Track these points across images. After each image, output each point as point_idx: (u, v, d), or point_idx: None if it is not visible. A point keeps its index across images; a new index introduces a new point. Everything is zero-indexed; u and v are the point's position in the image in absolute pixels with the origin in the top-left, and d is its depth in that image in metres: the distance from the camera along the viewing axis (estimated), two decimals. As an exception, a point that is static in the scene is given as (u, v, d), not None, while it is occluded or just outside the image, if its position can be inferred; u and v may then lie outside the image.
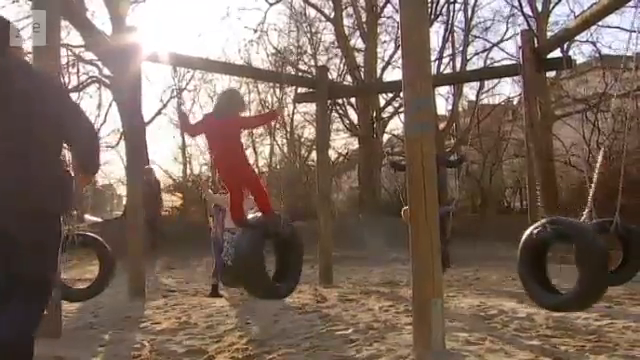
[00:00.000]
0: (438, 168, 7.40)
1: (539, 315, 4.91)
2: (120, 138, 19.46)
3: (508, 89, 31.11)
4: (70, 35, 16.27)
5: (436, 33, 19.28)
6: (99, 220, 19.52)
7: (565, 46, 14.84)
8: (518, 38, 7.91)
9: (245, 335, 4.45)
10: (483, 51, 18.87)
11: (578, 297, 4.08)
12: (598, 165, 4.89)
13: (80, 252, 8.11)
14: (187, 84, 20.35)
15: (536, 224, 4.48)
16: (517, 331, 4.39)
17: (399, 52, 4.41)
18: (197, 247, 10.85)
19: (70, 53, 17.05)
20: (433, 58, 17.24)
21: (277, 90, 19.65)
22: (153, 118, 19.72)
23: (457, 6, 18.68)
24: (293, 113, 20.68)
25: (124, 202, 18.48)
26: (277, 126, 20.90)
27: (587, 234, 4.17)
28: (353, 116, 20.03)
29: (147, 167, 12.57)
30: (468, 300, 6.05)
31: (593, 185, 4.74)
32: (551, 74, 16.87)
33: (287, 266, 4.92)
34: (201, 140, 21.04)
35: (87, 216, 20.81)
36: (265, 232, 4.65)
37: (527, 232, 4.46)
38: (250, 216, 4.97)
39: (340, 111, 19.64)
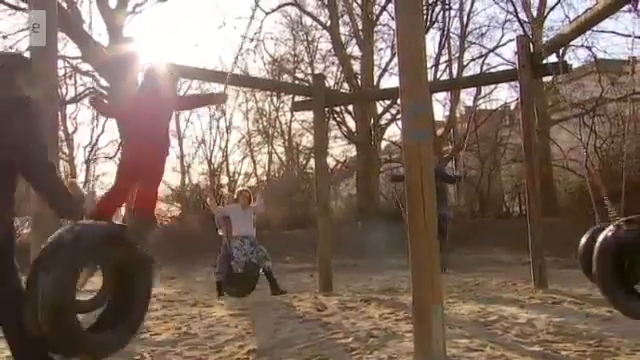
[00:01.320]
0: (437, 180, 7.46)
1: (540, 320, 4.90)
2: (118, 149, 19.48)
3: (505, 94, 31.15)
4: (67, 47, 16.38)
5: (432, 40, 19.43)
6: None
7: (561, 51, 14.89)
8: (514, 44, 7.95)
9: (246, 345, 4.43)
10: (479, 57, 18.96)
11: None
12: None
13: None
14: (185, 93, 20.35)
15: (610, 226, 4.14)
16: (518, 337, 4.37)
17: (395, 59, 4.41)
18: (196, 257, 10.85)
19: (67, 64, 17.12)
20: (429, 65, 17.32)
21: (274, 98, 19.74)
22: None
23: (453, 12, 18.82)
24: (291, 121, 20.75)
25: (122, 213, 18.42)
26: (275, 134, 20.97)
27: None
28: (351, 123, 20.10)
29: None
30: (468, 306, 6.03)
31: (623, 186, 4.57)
32: (547, 79, 16.92)
33: (126, 303, 3.32)
34: (201, 151, 21.05)
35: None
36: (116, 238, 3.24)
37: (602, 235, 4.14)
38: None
39: (338, 118, 19.70)
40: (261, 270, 7.18)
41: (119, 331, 3.19)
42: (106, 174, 23.38)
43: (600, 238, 4.17)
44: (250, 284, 7.11)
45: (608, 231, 4.13)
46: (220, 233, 7.61)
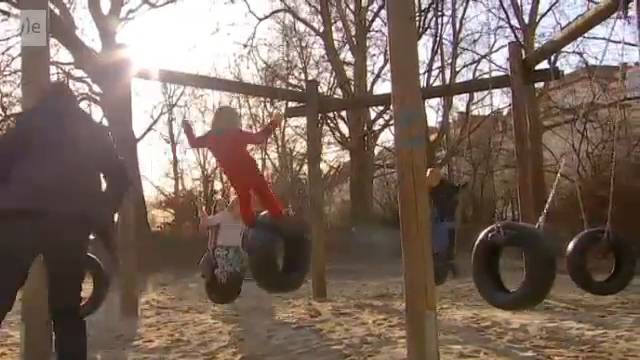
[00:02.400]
0: (446, 194, 7.52)
1: (532, 326, 4.91)
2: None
3: (497, 100, 31.30)
4: (59, 53, 16.34)
5: (425, 46, 19.48)
6: (91, 237, 19.38)
7: (552, 57, 15.01)
8: (506, 50, 8.01)
9: (239, 352, 4.41)
10: (472, 63, 19.08)
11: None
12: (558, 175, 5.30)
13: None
14: (177, 100, 20.37)
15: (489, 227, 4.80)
16: (511, 342, 4.38)
17: (388, 65, 4.44)
18: (189, 263, 10.78)
19: (60, 71, 17.07)
20: (422, 71, 17.39)
21: (268, 104, 19.75)
22: (144, 134, 19.72)
23: (445, 19, 18.92)
24: (284, 127, 20.75)
25: (116, 219, 18.35)
26: (269, 140, 20.98)
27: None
28: (344, 129, 20.13)
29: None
30: (461, 312, 6.04)
31: (552, 192, 5.18)
32: (539, 85, 17.04)
33: (295, 259, 5.40)
34: (191, 155, 21.06)
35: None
36: (275, 231, 5.10)
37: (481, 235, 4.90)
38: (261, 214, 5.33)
39: (331, 124, 19.74)
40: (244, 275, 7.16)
41: (297, 272, 5.52)
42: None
43: (480, 236, 5.03)
44: (233, 294, 7.11)
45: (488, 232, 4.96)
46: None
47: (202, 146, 5.58)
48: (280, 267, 5.75)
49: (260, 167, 21.01)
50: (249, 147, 6.24)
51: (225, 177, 20.31)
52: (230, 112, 5.48)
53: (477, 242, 4.74)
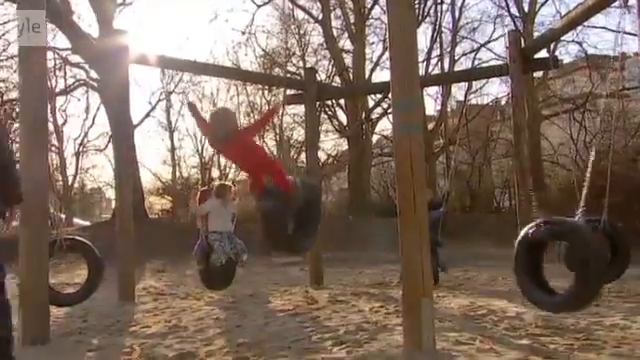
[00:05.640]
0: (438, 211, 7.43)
1: (528, 314, 4.94)
2: (108, 141, 19.38)
3: (496, 89, 31.29)
4: (56, 38, 16.24)
5: (424, 34, 19.40)
6: (88, 224, 19.40)
7: (552, 46, 14.95)
8: (505, 38, 7.97)
9: (235, 338, 4.43)
10: (471, 52, 19.02)
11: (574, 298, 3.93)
12: (590, 164, 4.85)
13: (69, 256, 8.04)
14: (175, 87, 20.28)
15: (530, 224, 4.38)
16: (507, 330, 4.41)
17: (387, 53, 4.42)
18: (187, 250, 10.76)
19: (57, 56, 16.96)
20: (421, 59, 17.33)
21: (266, 92, 19.67)
22: (142, 121, 19.64)
23: (445, 7, 18.82)
24: (282, 115, 20.68)
25: (113, 205, 18.37)
26: (267, 128, 20.92)
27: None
28: (342, 117, 20.08)
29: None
30: (458, 300, 6.07)
31: (586, 184, 4.70)
32: (538, 74, 17.00)
33: (306, 221, 5.18)
34: (189, 143, 20.99)
35: (76, 220, 20.72)
36: (285, 200, 4.92)
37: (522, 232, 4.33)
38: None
39: (329, 112, 19.67)
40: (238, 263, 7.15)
41: (308, 234, 5.20)
42: (96, 166, 23.31)
43: (522, 233, 4.32)
44: (227, 279, 7.11)
45: (529, 229, 4.26)
46: (199, 226, 7.55)
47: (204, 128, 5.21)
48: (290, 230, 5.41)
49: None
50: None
51: (224, 163, 20.36)
52: (225, 114, 5.15)
53: (519, 240, 4.28)
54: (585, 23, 12.85)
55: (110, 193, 26.65)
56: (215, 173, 20.12)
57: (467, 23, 19.20)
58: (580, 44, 16.75)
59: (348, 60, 19.53)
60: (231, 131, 4.78)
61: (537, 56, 7.83)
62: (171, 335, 4.63)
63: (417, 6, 17.25)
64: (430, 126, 18.55)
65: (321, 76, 18.42)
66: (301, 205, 5.06)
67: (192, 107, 5.48)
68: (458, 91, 19.80)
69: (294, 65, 20.17)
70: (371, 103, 19.08)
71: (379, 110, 19.34)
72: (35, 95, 4.73)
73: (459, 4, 18.68)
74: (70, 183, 22.28)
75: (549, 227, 4.17)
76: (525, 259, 4.30)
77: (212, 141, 5.29)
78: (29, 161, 4.66)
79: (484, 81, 18.71)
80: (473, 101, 19.80)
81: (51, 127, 17.42)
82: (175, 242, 12.93)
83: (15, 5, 13.07)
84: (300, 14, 20.36)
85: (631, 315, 4.80)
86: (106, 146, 20.62)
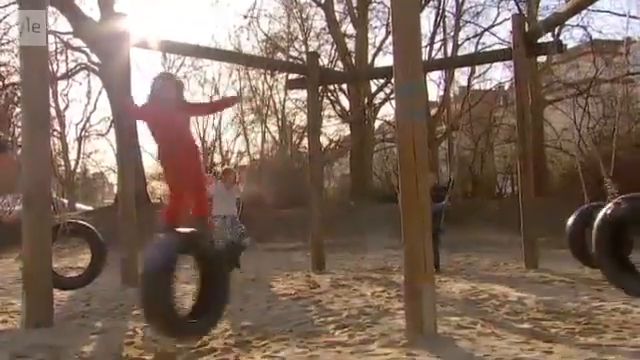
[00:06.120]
0: (437, 197, 7.38)
1: (530, 299, 4.96)
2: (110, 126, 19.34)
3: (499, 74, 31.02)
4: (58, 22, 16.15)
5: (427, 18, 19.22)
6: (90, 209, 19.46)
7: (556, 30, 14.84)
8: (509, 23, 7.92)
9: (238, 322, 4.47)
10: (474, 36, 18.83)
11: None
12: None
13: (72, 240, 8.09)
14: (177, 71, 20.17)
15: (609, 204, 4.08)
16: (508, 315, 4.43)
17: (390, 38, 4.40)
18: (189, 235, 10.85)
19: (58, 40, 16.89)
20: (424, 43, 17.21)
21: (268, 76, 19.60)
22: (143, 106, 19.60)
23: (448, -9, 18.60)
24: (284, 100, 20.64)
25: (115, 190, 18.41)
26: (268, 113, 20.89)
27: None
28: (345, 102, 20.00)
29: None
30: (460, 285, 6.10)
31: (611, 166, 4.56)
32: (542, 59, 16.89)
33: (209, 296, 3.88)
34: (193, 128, 20.96)
35: (78, 205, 20.76)
36: (186, 243, 3.81)
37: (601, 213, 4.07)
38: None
39: (331, 97, 19.60)
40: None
41: (207, 317, 3.83)
42: (98, 151, 23.28)
43: (599, 215, 4.15)
44: (231, 264, 7.16)
45: (607, 209, 4.11)
46: None
47: (143, 118, 4.25)
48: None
49: (252, 143, 20.97)
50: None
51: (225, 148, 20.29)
52: (177, 79, 4.42)
53: (597, 224, 4.09)
54: (590, 7, 12.79)
55: (112, 178, 26.65)
56: (217, 158, 20.14)
57: (471, 7, 19.00)
58: (585, 28, 16.63)
59: (351, 45, 19.40)
60: (177, 96, 4.05)
61: (541, 40, 7.79)
62: (174, 319, 4.65)
63: (420, -10, 17.09)
64: (433, 112, 18.47)
65: (323, 61, 18.32)
66: (208, 264, 3.88)
67: (124, 104, 4.93)
68: (461, 76, 19.69)
69: (296, 50, 20.08)
70: (374, 88, 18.99)
71: (382, 95, 19.25)
72: (37, 79, 4.73)
73: (463, -12, 18.49)
74: (72, 168, 22.29)
75: (631, 204, 3.91)
76: (606, 241, 4.03)
77: (148, 108, 4.12)
78: (31, 146, 4.67)
79: (487, 66, 18.59)
80: (476, 86, 19.69)
81: (53, 112, 17.42)
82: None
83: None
84: (302, -2, 20.21)
85: (632, 300, 4.80)
86: (108, 131, 20.58)
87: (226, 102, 5.51)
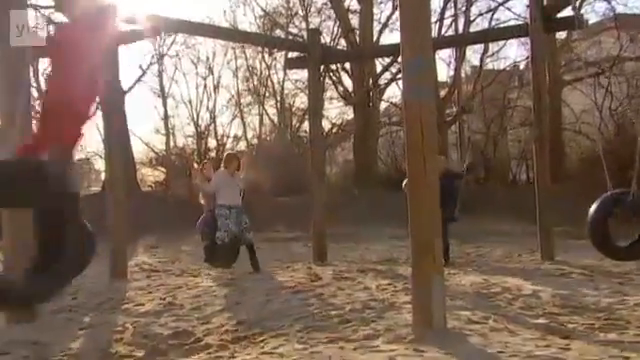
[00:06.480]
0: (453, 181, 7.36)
1: (546, 292, 4.96)
2: (96, 108, 19.29)
3: (514, 52, 30.89)
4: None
5: (437, -8, 19.09)
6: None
7: (576, 4, 14.74)
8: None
9: (235, 316, 4.48)
10: (488, 11, 18.67)
11: None
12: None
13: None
14: (168, 49, 20.09)
15: None
16: (522, 309, 4.43)
17: (397, 13, 4.34)
18: (182, 225, 10.88)
19: (38, 14, 16.81)
20: (434, 19, 17.09)
21: (266, 55, 19.52)
22: (132, 86, 19.49)
23: (460, -38, 18.46)
24: (284, 80, 20.57)
25: (103, 177, 18.41)
26: (266, 94, 20.84)
27: None
28: (348, 83, 19.92)
29: None
30: (470, 277, 6.10)
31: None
32: (561, 35, 16.78)
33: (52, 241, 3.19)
34: (184, 110, 20.93)
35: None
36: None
37: None
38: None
39: (334, 77, 19.52)
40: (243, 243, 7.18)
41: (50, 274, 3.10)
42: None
43: None
44: (233, 257, 7.17)
45: None
46: (202, 202, 7.59)
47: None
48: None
49: (249, 127, 20.82)
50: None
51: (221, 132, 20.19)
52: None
53: None
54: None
55: (100, 164, 26.64)
56: (212, 143, 20.12)
57: (484, -20, 18.88)
58: (608, 1, 16.51)
59: (354, 21, 19.28)
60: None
61: (560, 15, 7.73)
62: (166, 313, 4.68)
63: (430, -39, 16.95)
64: (442, 93, 18.39)
65: (325, 38, 18.24)
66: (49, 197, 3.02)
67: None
68: (473, 55, 19.59)
69: (296, 26, 19.98)
70: (379, 68, 18.91)
71: (387, 75, 19.16)
72: (15, 56, 4.69)
73: (476, -41, 18.35)
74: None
75: None
76: None
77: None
78: (10, 128, 4.65)
79: (501, 44, 18.50)
80: (489, 66, 19.58)
81: (35, 92, 17.38)
82: (169, 216, 13.02)
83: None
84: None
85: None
86: (94, 113, 20.53)
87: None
